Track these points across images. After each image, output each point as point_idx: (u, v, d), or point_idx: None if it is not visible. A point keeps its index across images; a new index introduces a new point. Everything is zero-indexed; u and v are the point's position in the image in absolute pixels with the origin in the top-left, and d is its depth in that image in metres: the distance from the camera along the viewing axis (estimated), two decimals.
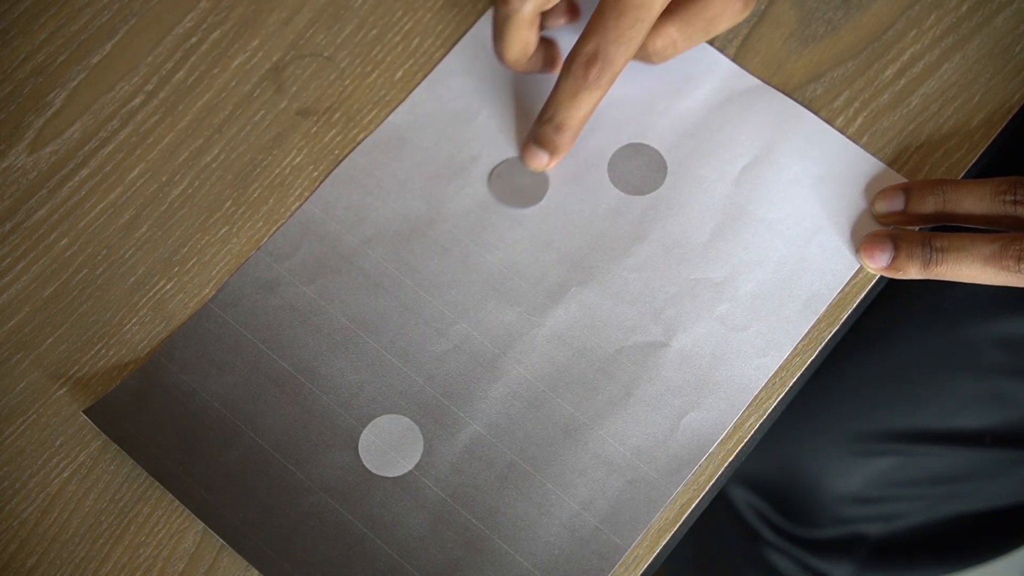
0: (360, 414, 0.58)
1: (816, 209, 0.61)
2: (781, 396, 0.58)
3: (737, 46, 0.65)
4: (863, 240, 0.60)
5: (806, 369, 0.59)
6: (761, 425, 0.58)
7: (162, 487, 0.57)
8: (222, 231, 0.62)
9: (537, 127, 0.61)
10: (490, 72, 0.64)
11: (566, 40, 0.63)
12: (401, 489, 0.57)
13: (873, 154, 0.62)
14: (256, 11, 0.66)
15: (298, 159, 0.63)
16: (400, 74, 0.65)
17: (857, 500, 0.78)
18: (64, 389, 0.59)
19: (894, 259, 0.59)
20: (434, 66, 0.65)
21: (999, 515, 0.82)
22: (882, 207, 0.60)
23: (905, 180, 0.61)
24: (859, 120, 0.63)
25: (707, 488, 0.57)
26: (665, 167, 0.62)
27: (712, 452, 0.57)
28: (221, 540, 0.56)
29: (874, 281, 0.60)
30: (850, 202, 0.61)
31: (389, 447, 0.57)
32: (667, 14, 0.60)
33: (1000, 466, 0.78)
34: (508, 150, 0.63)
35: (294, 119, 0.64)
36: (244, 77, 0.64)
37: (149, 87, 0.64)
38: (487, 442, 0.58)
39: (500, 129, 0.63)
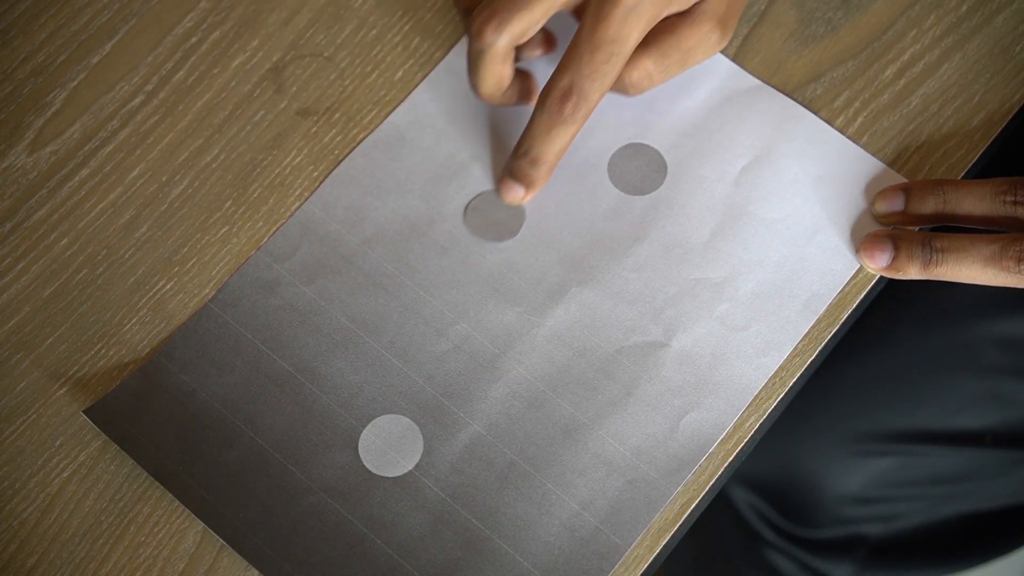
0: (360, 414, 0.58)
1: (816, 209, 0.61)
2: (781, 396, 0.58)
3: (737, 46, 0.64)
4: (863, 240, 0.60)
5: (806, 369, 0.59)
6: (761, 425, 0.58)
7: (162, 487, 0.57)
8: (222, 231, 0.62)
9: (513, 161, 0.60)
10: None
11: (542, 71, 0.63)
12: (401, 489, 0.57)
13: (873, 154, 0.62)
14: (256, 11, 0.66)
15: (298, 159, 0.63)
16: (400, 74, 0.65)
17: (857, 500, 0.78)
18: (64, 389, 0.59)
19: (894, 259, 0.59)
20: (434, 66, 0.65)
21: (999, 515, 0.82)
22: (882, 207, 0.60)
23: (905, 180, 0.61)
24: (859, 120, 0.63)
25: (707, 488, 0.57)
26: (665, 167, 0.62)
27: (712, 452, 0.57)
28: (221, 540, 0.56)
29: (874, 281, 0.60)
30: (850, 202, 0.61)
31: (389, 447, 0.57)
32: (643, 46, 0.59)
33: (1000, 466, 0.78)
34: (506, 153, 0.63)
35: (294, 119, 0.64)
36: (244, 77, 0.64)
37: (149, 87, 0.64)
38: (487, 442, 0.57)
39: (500, 130, 0.63)
